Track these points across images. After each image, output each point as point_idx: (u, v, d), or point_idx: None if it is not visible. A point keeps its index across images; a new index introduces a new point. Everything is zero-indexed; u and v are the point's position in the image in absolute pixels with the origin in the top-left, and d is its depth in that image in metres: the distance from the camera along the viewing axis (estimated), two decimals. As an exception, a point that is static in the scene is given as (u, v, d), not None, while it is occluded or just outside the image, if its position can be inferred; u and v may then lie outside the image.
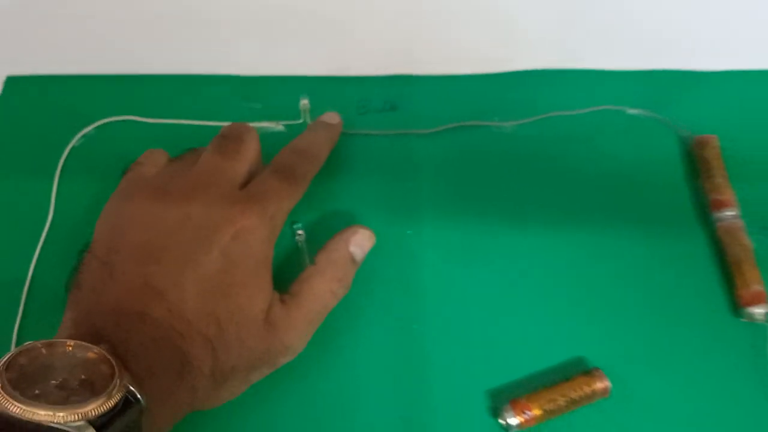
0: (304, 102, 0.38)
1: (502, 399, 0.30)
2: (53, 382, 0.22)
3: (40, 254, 0.34)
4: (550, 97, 0.39)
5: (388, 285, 0.34)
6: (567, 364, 0.32)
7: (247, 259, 0.29)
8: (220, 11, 0.43)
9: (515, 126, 0.38)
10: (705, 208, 0.36)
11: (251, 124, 0.37)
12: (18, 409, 0.21)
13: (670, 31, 0.42)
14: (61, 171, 0.37)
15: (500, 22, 0.42)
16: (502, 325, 0.33)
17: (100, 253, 0.29)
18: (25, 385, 0.22)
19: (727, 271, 0.34)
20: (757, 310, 0.32)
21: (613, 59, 0.41)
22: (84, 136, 0.38)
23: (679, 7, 0.43)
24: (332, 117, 0.38)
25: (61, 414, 0.21)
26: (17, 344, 0.32)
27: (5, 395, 0.21)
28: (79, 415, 0.21)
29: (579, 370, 0.31)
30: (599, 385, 0.30)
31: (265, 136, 0.37)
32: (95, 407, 0.22)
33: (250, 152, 0.32)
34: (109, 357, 0.24)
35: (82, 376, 0.23)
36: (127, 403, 0.23)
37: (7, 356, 0.22)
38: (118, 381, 0.23)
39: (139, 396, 0.24)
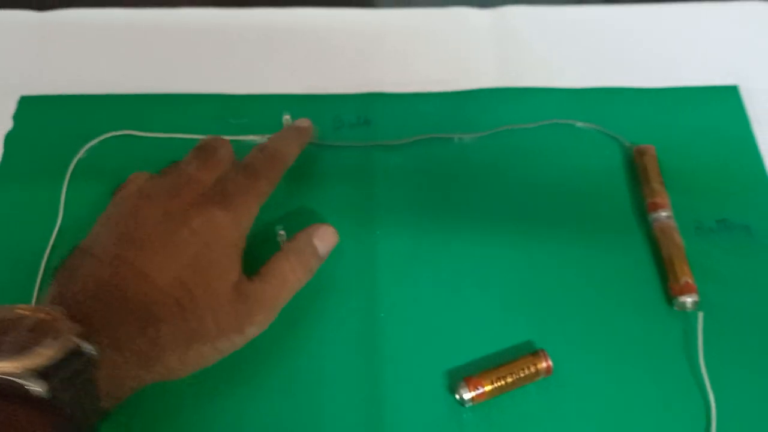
0: (286, 117, 0.41)
1: (458, 377, 0.33)
2: (6, 338, 0.25)
3: (49, 255, 0.37)
4: (505, 113, 0.42)
5: (353, 279, 0.37)
6: (517, 347, 0.35)
7: (216, 243, 0.32)
8: (210, 38, 0.45)
9: (474, 138, 0.41)
10: (643, 209, 0.39)
11: (238, 138, 0.40)
12: None
13: (613, 52, 0.45)
14: (69, 180, 0.39)
15: (462, 49, 0.46)
16: (460, 315, 0.36)
17: (86, 245, 0.32)
18: None
19: (661, 265, 0.37)
20: (688, 299, 0.35)
21: (563, 78, 0.44)
22: (89, 149, 0.40)
23: (621, 32, 0.46)
24: (303, 122, 0.40)
25: (3, 364, 0.24)
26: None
27: None
28: (19, 365, 0.24)
29: (526, 351, 0.34)
30: (543, 364, 0.33)
31: (251, 148, 0.39)
32: (36, 357, 0.24)
33: (223, 161, 0.36)
34: (57, 315, 0.27)
35: (32, 334, 0.25)
36: (75, 353, 0.26)
37: None
38: (61, 334, 0.26)
39: (88, 347, 0.26)
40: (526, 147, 0.41)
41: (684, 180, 0.40)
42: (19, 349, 0.25)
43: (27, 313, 0.27)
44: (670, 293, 0.36)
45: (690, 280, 0.36)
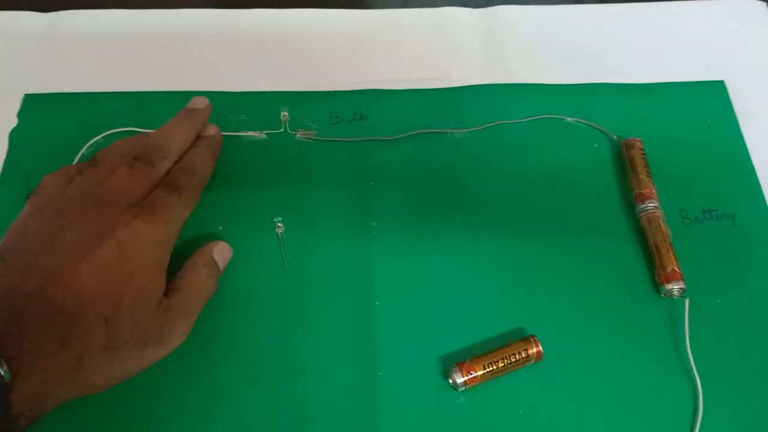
0: (284, 114, 0.42)
1: (451, 363, 0.34)
2: None
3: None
4: (497, 108, 0.43)
5: (349, 269, 0.37)
6: (508, 333, 0.36)
7: (138, 255, 0.32)
8: (210, 38, 0.46)
9: (466, 133, 0.42)
10: (630, 200, 0.40)
11: (237, 134, 0.41)
12: None
13: (601, 48, 0.46)
14: (73, 175, 0.40)
15: (454, 47, 0.47)
16: (453, 302, 0.37)
17: (0, 255, 0.31)
18: None
19: (649, 254, 0.38)
20: (674, 287, 0.36)
21: (552, 75, 0.45)
22: (92, 145, 0.41)
23: (609, 29, 0.47)
24: (210, 128, 0.40)
25: None
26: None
27: None
28: None
29: (517, 337, 0.35)
30: (534, 350, 0.34)
31: (250, 144, 0.41)
32: None
33: (158, 176, 0.36)
34: None
35: None
36: None
37: None
38: None
39: (1, 371, 0.25)
40: (517, 141, 0.42)
41: (671, 172, 0.41)
42: None
43: None
44: (657, 281, 0.37)
45: (676, 268, 0.37)
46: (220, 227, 0.39)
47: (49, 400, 0.28)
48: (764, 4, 0.49)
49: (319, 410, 0.34)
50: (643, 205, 0.39)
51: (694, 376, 0.35)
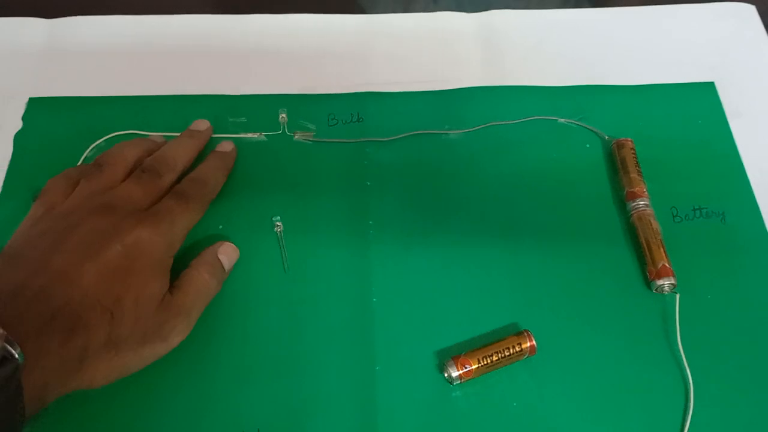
0: (283, 116, 0.43)
1: (447, 357, 0.35)
2: None
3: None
4: (491, 110, 0.44)
5: (347, 267, 0.38)
6: (503, 328, 0.37)
7: (143, 258, 0.33)
8: (211, 43, 0.47)
9: (461, 134, 0.43)
10: (622, 199, 0.41)
11: (237, 136, 0.42)
12: None
13: (593, 50, 0.47)
14: (76, 177, 0.41)
15: (449, 51, 0.47)
16: (449, 299, 0.37)
17: (12, 250, 0.33)
18: None
19: (640, 251, 0.39)
20: (665, 282, 0.37)
21: (545, 78, 0.45)
22: (95, 147, 0.42)
23: (601, 33, 0.48)
24: (226, 146, 0.41)
25: None
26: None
27: None
28: None
29: (512, 332, 0.36)
30: (527, 344, 0.35)
31: (249, 145, 0.42)
32: None
33: (164, 187, 0.37)
34: None
35: None
36: (5, 359, 0.26)
37: None
38: None
39: (14, 353, 0.26)
40: (511, 142, 0.43)
41: (662, 171, 0.42)
42: None
43: None
44: (648, 277, 0.38)
45: (667, 264, 0.38)
46: (220, 226, 0.40)
47: (49, 394, 0.29)
48: (753, 6, 0.49)
49: (318, 404, 0.35)
50: (634, 203, 0.40)
51: (685, 369, 0.35)
